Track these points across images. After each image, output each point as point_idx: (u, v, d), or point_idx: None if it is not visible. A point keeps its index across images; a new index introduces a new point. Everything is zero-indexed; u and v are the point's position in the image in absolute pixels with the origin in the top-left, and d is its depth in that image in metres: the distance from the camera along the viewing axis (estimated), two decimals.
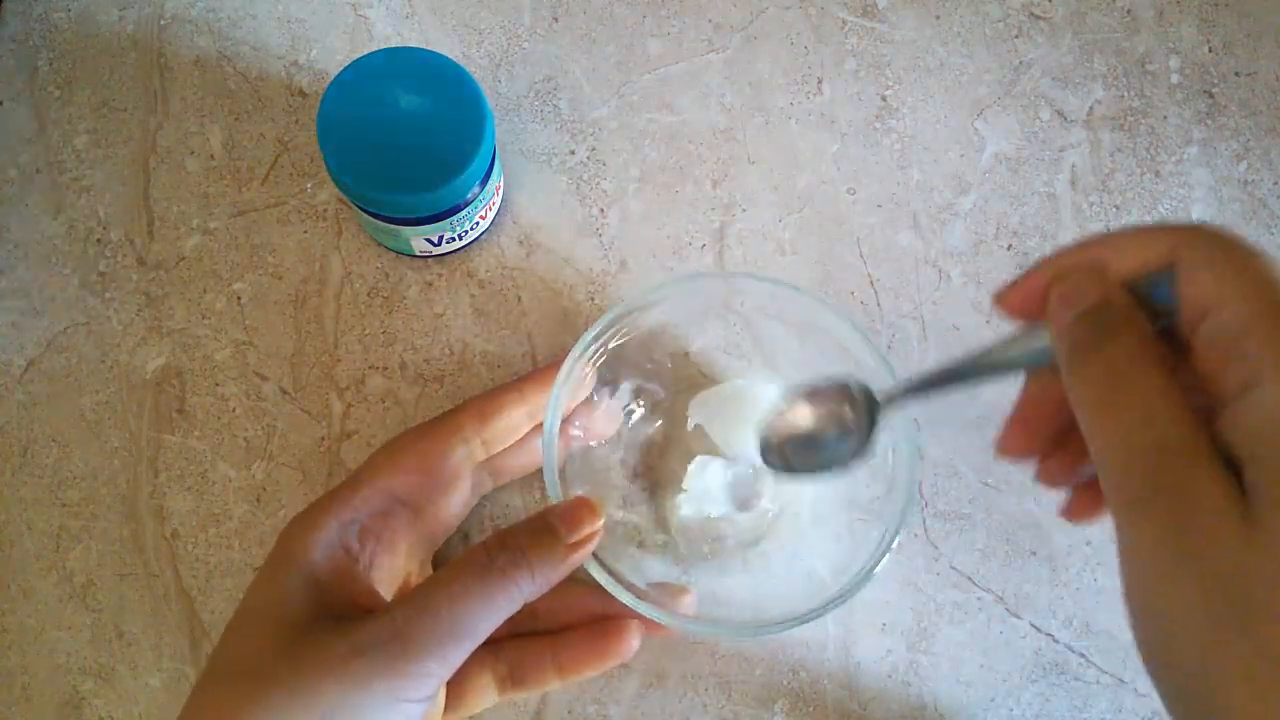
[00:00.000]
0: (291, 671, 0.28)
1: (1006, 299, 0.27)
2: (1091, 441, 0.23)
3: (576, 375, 0.37)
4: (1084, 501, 0.28)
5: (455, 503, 0.38)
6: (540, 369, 0.39)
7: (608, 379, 0.40)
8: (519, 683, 0.37)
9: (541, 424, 0.37)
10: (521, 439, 0.39)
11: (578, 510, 0.32)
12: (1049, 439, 0.28)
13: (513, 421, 0.38)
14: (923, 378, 0.31)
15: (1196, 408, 0.22)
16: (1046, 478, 0.28)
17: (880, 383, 0.37)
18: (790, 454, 0.35)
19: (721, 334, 0.42)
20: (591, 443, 0.40)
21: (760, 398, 0.41)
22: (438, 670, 0.29)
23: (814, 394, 0.35)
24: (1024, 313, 0.27)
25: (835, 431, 0.34)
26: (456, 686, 0.37)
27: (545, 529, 0.32)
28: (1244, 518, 0.20)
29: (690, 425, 0.42)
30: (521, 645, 0.38)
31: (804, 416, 0.35)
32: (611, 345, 0.38)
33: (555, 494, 0.35)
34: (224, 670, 0.30)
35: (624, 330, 0.38)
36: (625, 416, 0.42)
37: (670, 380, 0.42)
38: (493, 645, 0.34)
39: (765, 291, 0.38)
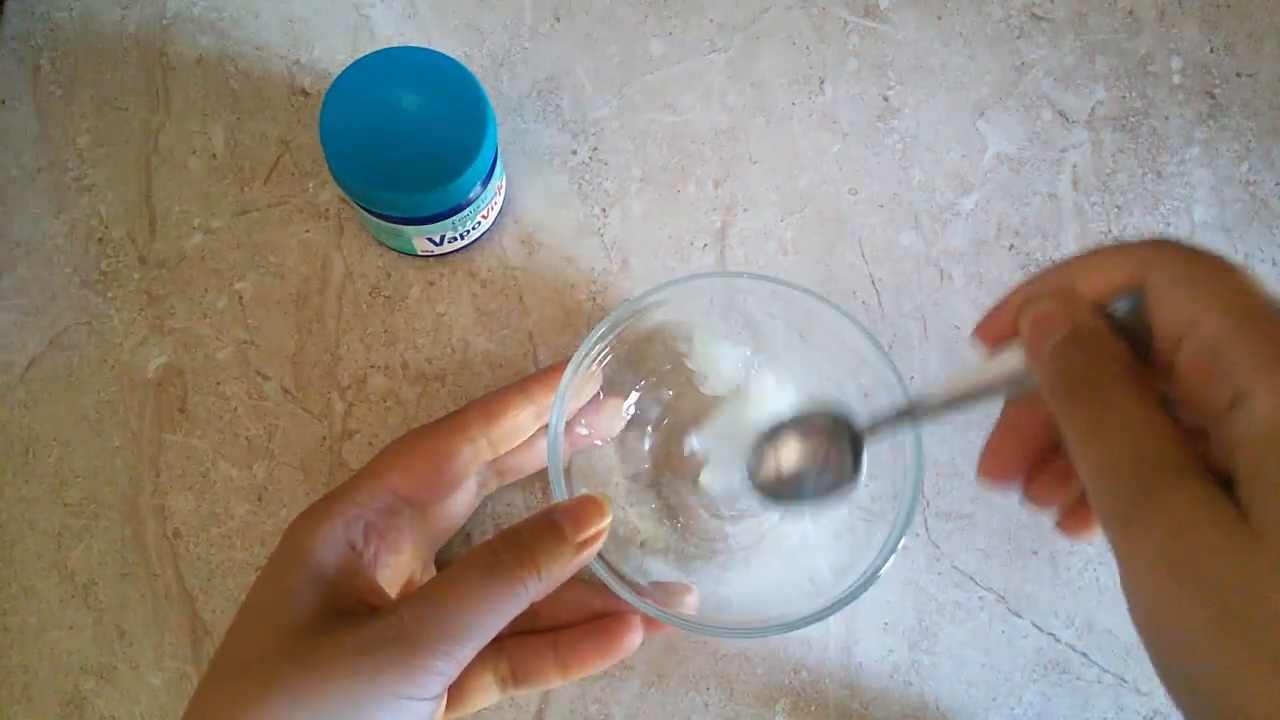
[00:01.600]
0: (300, 669, 0.28)
1: (983, 331, 0.27)
2: (1081, 467, 0.23)
3: (582, 375, 0.37)
4: (1077, 518, 0.28)
5: (460, 502, 0.38)
6: (546, 369, 0.39)
7: (613, 379, 0.40)
8: (520, 680, 0.37)
9: (548, 424, 0.37)
10: (528, 439, 0.39)
11: (584, 508, 0.32)
12: (1029, 461, 0.28)
13: (520, 422, 0.38)
14: (903, 408, 0.31)
15: (1185, 426, 0.22)
16: (1035, 498, 0.28)
17: (882, 380, 0.37)
18: (778, 485, 0.36)
19: (724, 333, 0.42)
20: (596, 442, 0.40)
21: (758, 422, 0.40)
22: (445, 669, 0.29)
23: (799, 425, 0.35)
24: (1001, 343, 0.27)
25: (820, 463, 0.35)
26: (458, 684, 0.37)
27: (551, 527, 0.31)
28: (1241, 529, 0.20)
29: (686, 451, 0.42)
30: (523, 643, 0.38)
31: (790, 449, 0.35)
32: (616, 345, 0.38)
33: (561, 494, 0.35)
34: (231, 667, 0.30)
35: (628, 330, 0.38)
36: (630, 416, 0.42)
37: (674, 379, 0.42)
38: (494, 643, 0.34)
39: (767, 290, 0.38)
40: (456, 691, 0.37)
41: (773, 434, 0.36)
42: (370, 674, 0.28)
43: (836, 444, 0.34)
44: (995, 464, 0.28)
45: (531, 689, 0.38)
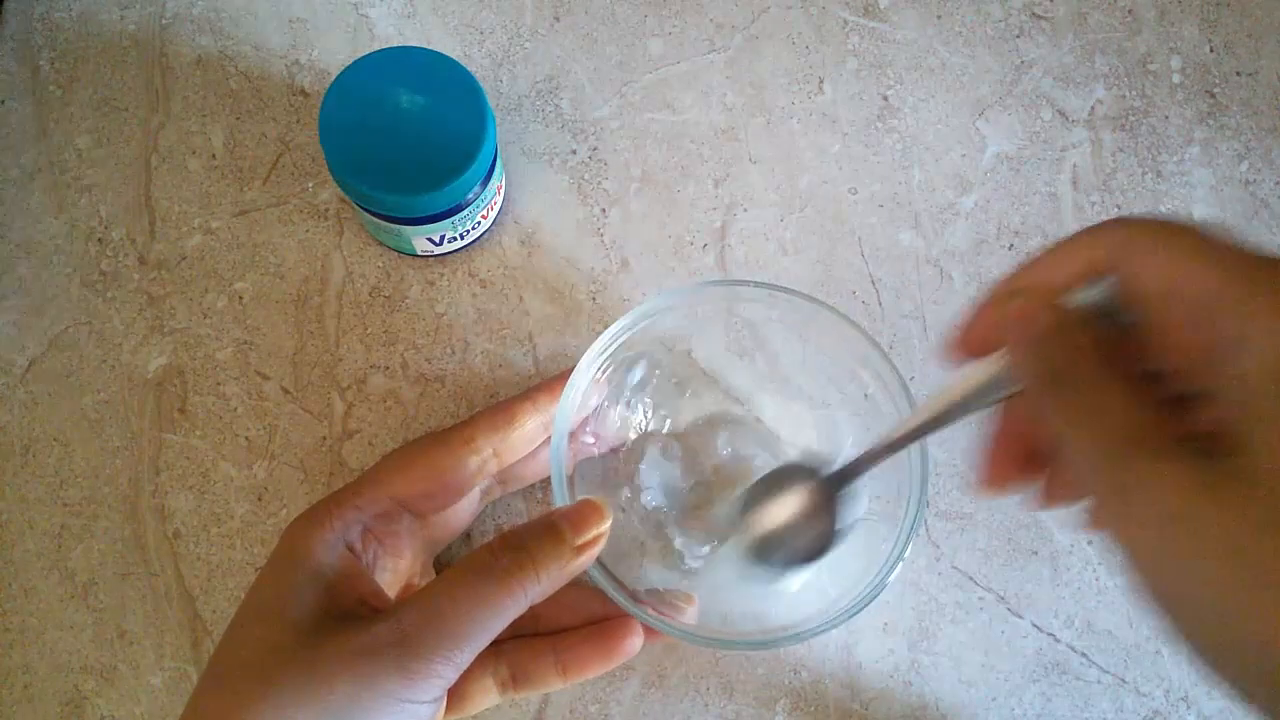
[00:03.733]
0: (300, 670, 0.28)
1: (963, 343, 0.27)
2: (1071, 456, 0.23)
3: (586, 383, 0.37)
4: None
5: (463, 510, 0.38)
6: (552, 379, 0.39)
7: (616, 388, 0.40)
8: (520, 683, 0.37)
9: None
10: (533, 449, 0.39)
11: (584, 512, 0.32)
12: (1028, 463, 0.27)
13: (527, 432, 0.38)
14: (881, 444, 0.31)
15: (1177, 396, 0.23)
16: (1047, 500, 0.28)
17: (884, 381, 0.37)
18: (767, 551, 0.35)
19: (726, 340, 0.42)
20: (600, 450, 0.40)
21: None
22: (445, 672, 0.29)
23: (774, 488, 0.35)
24: (981, 351, 0.27)
25: (803, 522, 0.35)
26: (458, 687, 0.37)
27: (551, 531, 0.31)
28: (1232, 484, 0.20)
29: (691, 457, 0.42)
30: (523, 646, 0.37)
31: (770, 517, 0.35)
32: (619, 355, 0.38)
33: (563, 503, 0.35)
34: (231, 666, 0.30)
35: (631, 339, 0.38)
36: (634, 424, 0.41)
37: (679, 388, 0.42)
38: (494, 646, 0.34)
39: (766, 296, 0.38)
40: (456, 694, 0.37)
41: (751, 498, 0.36)
42: (370, 677, 0.28)
43: (815, 497, 0.34)
44: (994, 473, 0.28)
45: (531, 692, 0.38)
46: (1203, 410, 0.22)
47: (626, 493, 0.41)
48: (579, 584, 0.35)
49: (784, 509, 0.35)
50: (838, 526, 0.34)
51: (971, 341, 0.27)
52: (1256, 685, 0.20)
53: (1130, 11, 0.49)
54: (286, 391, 0.43)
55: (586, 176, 0.46)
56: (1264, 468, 0.20)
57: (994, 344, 0.26)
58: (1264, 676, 0.19)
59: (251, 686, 0.28)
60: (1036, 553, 0.43)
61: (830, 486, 0.34)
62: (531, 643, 0.37)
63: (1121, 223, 0.24)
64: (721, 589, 0.39)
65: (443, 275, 0.45)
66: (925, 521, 0.43)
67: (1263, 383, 0.20)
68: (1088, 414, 0.23)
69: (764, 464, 0.41)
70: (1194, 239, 0.22)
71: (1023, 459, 0.27)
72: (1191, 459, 0.21)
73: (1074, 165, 0.47)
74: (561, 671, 0.37)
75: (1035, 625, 0.42)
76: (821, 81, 0.47)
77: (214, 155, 0.46)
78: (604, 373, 0.38)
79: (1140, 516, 0.21)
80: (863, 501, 0.35)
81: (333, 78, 0.39)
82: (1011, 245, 0.46)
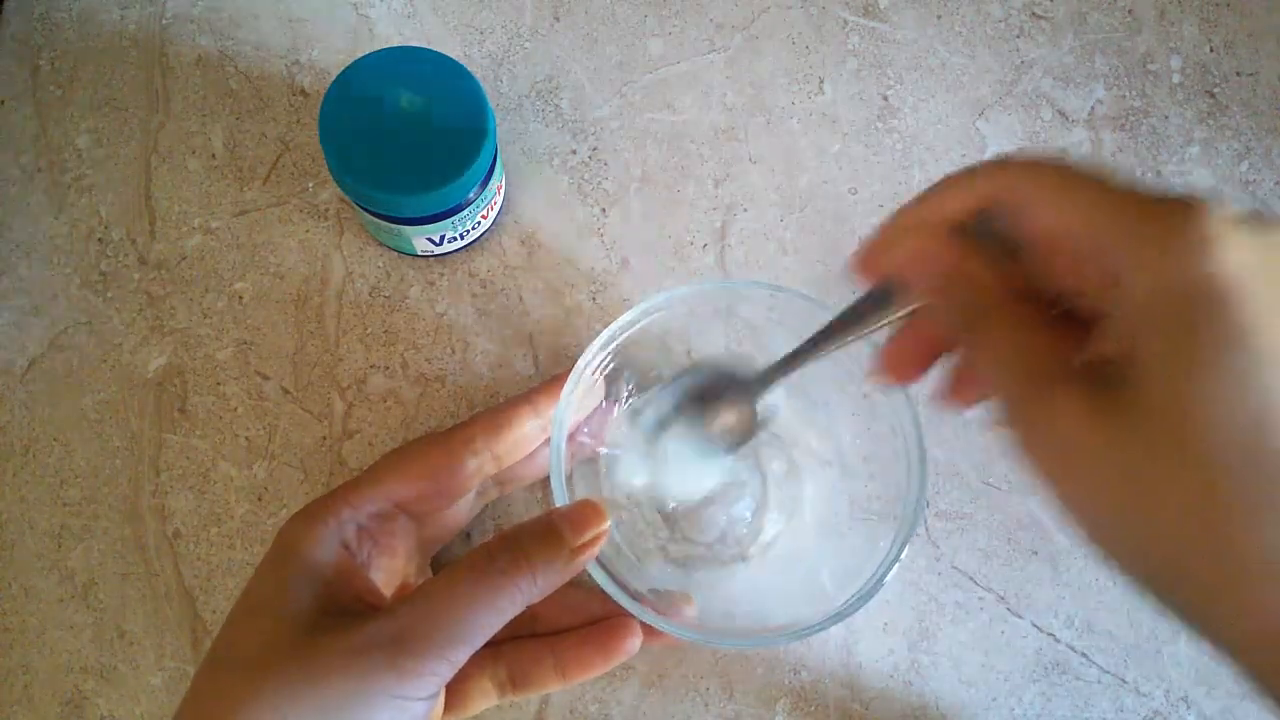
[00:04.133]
0: (296, 666, 0.28)
1: (864, 266, 0.28)
2: (989, 387, 0.25)
3: (585, 384, 0.37)
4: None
5: (460, 510, 0.38)
6: (550, 380, 0.39)
7: (615, 387, 0.40)
8: (519, 685, 0.37)
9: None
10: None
11: (583, 512, 0.32)
12: (927, 358, 0.28)
13: (525, 433, 0.38)
14: (790, 355, 0.33)
15: (1083, 315, 0.24)
16: (950, 400, 0.29)
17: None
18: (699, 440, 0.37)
19: (726, 340, 0.42)
20: (600, 450, 0.40)
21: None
22: (440, 670, 0.29)
23: (706, 392, 0.37)
24: (881, 276, 0.28)
25: (731, 417, 0.36)
26: (456, 688, 0.37)
27: (550, 531, 0.31)
28: (1115, 418, 0.22)
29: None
30: (521, 647, 0.37)
31: (703, 413, 0.37)
32: (618, 354, 0.38)
33: (562, 503, 0.35)
34: (228, 660, 0.30)
35: (630, 338, 0.38)
36: (631, 422, 0.41)
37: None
38: (492, 648, 0.34)
39: (768, 298, 0.38)
40: (455, 695, 0.37)
41: (684, 396, 0.37)
42: (364, 674, 0.28)
43: (731, 401, 0.36)
44: (892, 365, 0.29)
45: (530, 693, 0.38)
46: (1100, 338, 0.24)
47: (624, 491, 0.41)
48: (578, 584, 0.35)
49: (715, 409, 0.36)
50: (759, 419, 0.36)
51: (871, 267, 0.28)
52: (1154, 587, 0.22)
53: (1130, 11, 0.49)
54: (286, 391, 0.43)
55: (586, 176, 0.46)
56: (1152, 402, 0.21)
57: (893, 272, 0.27)
58: (1160, 581, 0.22)
59: (247, 681, 0.28)
60: (1036, 553, 0.43)
61: (753, 389, 0.35)
62: (530, 644, 0.37)
63: (1002, 163, 0.25)
64: (674, 477, 0.40)
65: (443, 275, 0.45)
66: (925, 521, 0.43)
67: (1149, 317, 0.21)
68: (995, 348, 0.24)
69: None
70: (1075, 175, 0.23)
71: (924, 356, 0.28)
72: (1088, 389, 0.22)
73: None
74: (560, 673, 0.37)
75: (1035, 625, 0.42)
76: (821, 81, 0.47)
77: (214, 155, 0.46)
78: (602, 373, 0.38)
79: (1043, 443, 0.23)
80: (780, 404, 0.37)
81: (333, 78, 0.39)
82: None
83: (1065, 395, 0.22)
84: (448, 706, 0.36)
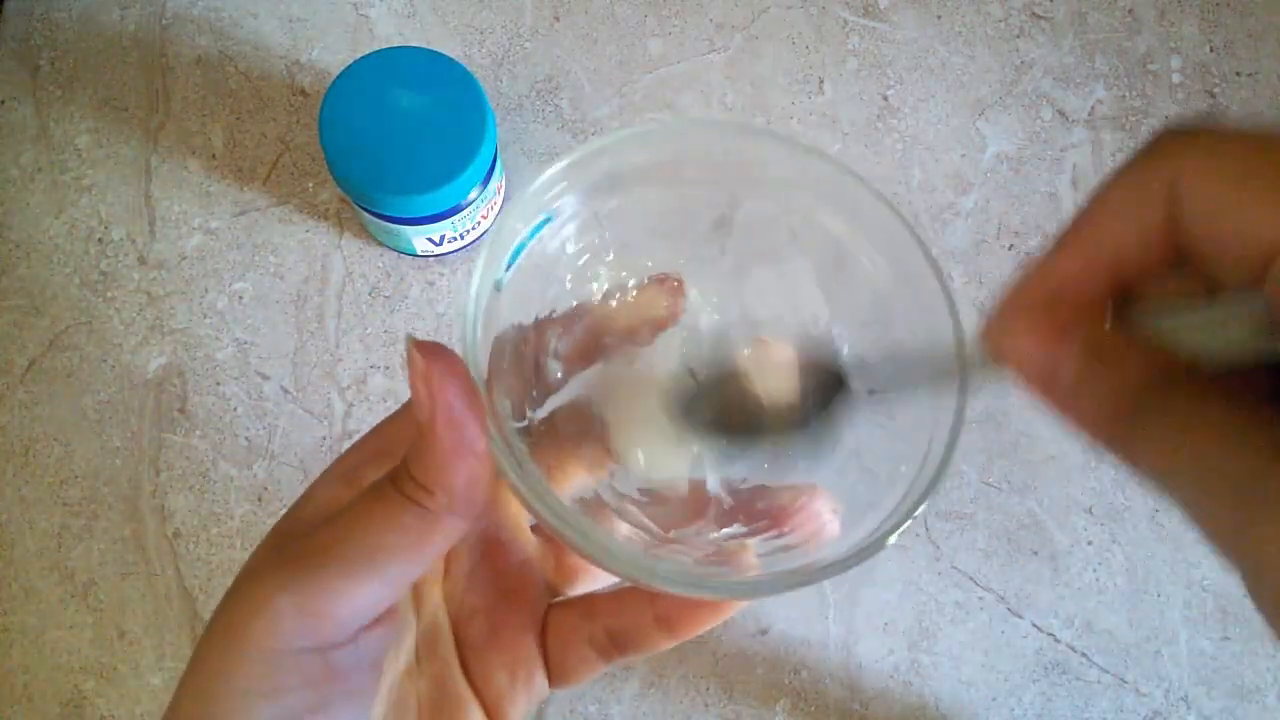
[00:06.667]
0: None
1: (992, 349, 0.21)
2: (1171, 494, 0.17)
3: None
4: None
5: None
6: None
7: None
8: (623, 646, 0.32)
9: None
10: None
11: (425, 354, 0.22)
12: (1060, 334, 0.20)
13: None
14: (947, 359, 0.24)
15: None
16: (1064, 410, 0.20)
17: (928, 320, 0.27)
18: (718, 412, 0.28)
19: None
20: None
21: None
22: (344, 587, 0.24)
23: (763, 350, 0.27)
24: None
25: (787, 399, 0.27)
26: (556, 656, 0.33)
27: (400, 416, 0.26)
28: None
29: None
30: (619, 605, 0.33)
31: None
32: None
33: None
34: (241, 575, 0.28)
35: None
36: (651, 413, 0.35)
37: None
38: (587, 609, 0.31)
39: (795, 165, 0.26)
40: (557, 664, 0.34)
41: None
42: (270, 586, 0.26)
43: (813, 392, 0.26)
44: (1010, 325, 0.20)
45: (637, 655, 0.33)
46: None
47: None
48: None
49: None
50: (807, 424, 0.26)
51: (999, 352, 0.21)
52: None
53: (1130, 11, 0.49)
54: (286, 391, 0.43)
55: None
56: None
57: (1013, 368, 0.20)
58: None
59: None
60: (1036, 553, 0.43)
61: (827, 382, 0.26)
62: (630, 599, 0.32)
63: (1170, 154, 0.17)
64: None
65: (443, 275, 0.45)
66: (926, 521, 0.43)
67: None
68: (1175, 452, 0.17)
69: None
70: (1259, 152, 0.16)
71: (1059, 328, 0.20)
72: None
73: (1074, 165, 0.47)
74: (667, 628, 0.32)
75: (1035, 625, 0.42)
76: (821, 81, 0.47)
77: (214, 155, 0.46)
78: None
79: (1266, 582, 0.16)
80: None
81: (333, 78, 0.39)
82: (1011, 245, 0.46)
83: None
84: (552, 676, 0.33)
